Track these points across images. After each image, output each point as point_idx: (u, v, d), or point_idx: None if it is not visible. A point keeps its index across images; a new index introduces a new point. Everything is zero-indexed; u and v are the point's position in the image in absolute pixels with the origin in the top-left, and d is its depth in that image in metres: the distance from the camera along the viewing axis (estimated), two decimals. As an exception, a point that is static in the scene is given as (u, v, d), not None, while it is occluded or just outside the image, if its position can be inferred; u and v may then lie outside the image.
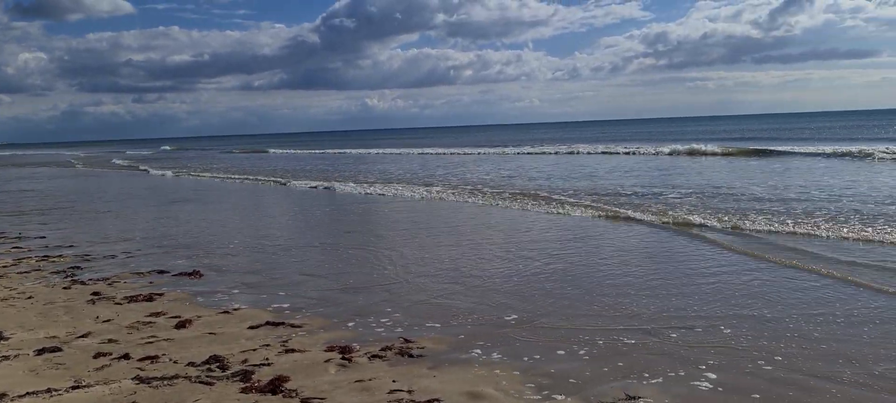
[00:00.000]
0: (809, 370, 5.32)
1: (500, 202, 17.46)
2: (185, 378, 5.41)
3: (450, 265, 9.80)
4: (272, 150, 72.57)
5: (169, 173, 37.80)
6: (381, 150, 59.63)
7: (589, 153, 41.08)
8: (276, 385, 5.19)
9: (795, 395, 4.85)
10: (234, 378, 5.39)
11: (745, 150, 33.35)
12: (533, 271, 9.20)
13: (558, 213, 14.80)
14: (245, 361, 5.81)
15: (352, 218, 15.77)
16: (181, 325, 6.99)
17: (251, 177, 31.03)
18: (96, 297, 8.31)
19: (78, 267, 10.29)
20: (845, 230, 11.12)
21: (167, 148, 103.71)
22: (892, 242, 10.04)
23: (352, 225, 14.63)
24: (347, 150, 63.96)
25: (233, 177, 32.11)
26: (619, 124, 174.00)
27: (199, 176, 34.46)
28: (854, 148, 30.59)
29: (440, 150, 54.12)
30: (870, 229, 11.10)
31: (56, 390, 5.17)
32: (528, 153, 45.02)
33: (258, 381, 5.30)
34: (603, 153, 40.27)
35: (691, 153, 34.52)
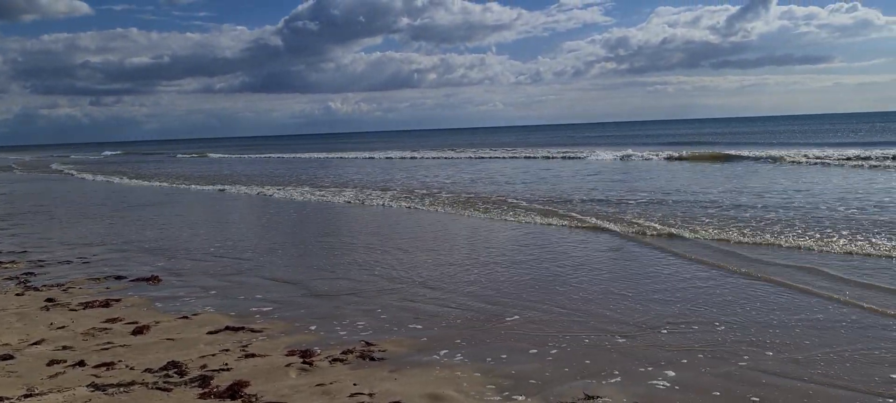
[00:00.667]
0: (768, 368, 5.44)
1: (461, 210, 17.51)
2: (141, 384, 5.33)
3: (412, 269, 9.80)
4: (212, 154, 71.80)
5: (100, 177, 37.06)
6: (343, 154, 59.24)
7: (548, 157, 41.23)
8: (235, 391, 5.13)
9: (754, 392, 4.96)
10: (193, 384, 5.32)
11: (705, 155, 33.87)
12: (494, 275, 9.25)
13: (518, 221, 14.88)
14: (204, 366, 5.74)
15: (309, 224, 15.66)
16: (138, 331, 6.88)
17: (185, 183, 30.39)
18: (50, 303, 8.13)
19: (31, 274, 10.05)
20: (796, 237, 11.37)
21: (108, 153, 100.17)
22: (849, 251, 10.30)
23: (308, 228, 14.54)
24: (310, 155, 63.28)
25: (174, 183, 31.14)
26: (581, 128, 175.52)
27: (135, 182, 33.59)
28: (812, 152, 31.49)
29: (405, 154, 54.16)
30: (816, 233, 11.40)
31: (8, 398, 5.04)
32: (491, 157, 45.18)
33: (217, 387, 5.24)
34: (564, 157, 40.51)
35: (647, 158, 34.99)
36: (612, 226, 12.86)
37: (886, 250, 9.63)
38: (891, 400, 4.77)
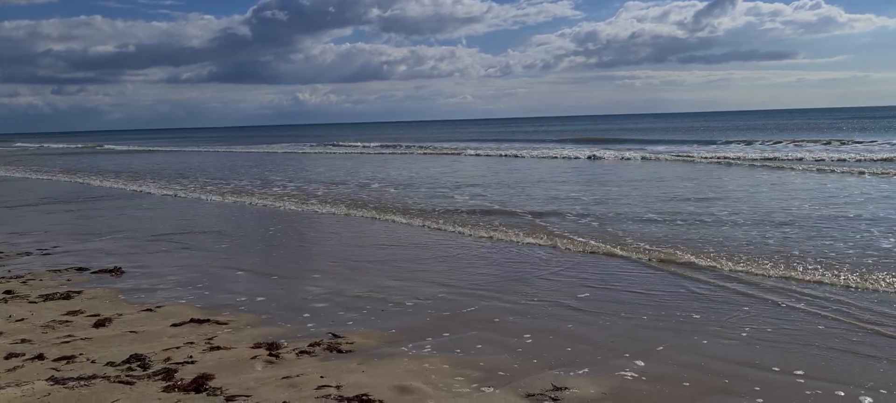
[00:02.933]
0: (737, 359, 5.51)
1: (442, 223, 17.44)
2: (103, 377, 5.21)
3: (381, 262, 9.76)
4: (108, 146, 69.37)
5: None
6: (307, 149, 58.59)
7: (517, 156, 39.75)
8: (199, 384, 5.05)
9: (725, 384, 5.02)
10: (156, 377, 5.22)
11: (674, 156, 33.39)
12: (462, 268, 9.25)
13: (486, 237, 14.88)
14: (168, 359, 5.64)
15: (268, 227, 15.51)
16: (100, 324, 6.73)
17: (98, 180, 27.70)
18: (9, 296, 7.92)
19: (-11, 265, 9.79)
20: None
21: (21, 144, 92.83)
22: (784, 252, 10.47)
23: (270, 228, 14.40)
24: (272, 148, 62.19)
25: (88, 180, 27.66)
26: (549, 121, 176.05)
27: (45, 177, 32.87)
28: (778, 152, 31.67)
29: (372, 146, 53.67)
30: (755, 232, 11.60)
31: (-38, 393, 4.90)
32: (464, 153, 45.01)
33: (181, 380, 5.15)
34: (534, 157, 38.78)
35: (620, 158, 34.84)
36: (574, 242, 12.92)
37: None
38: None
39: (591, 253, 9.87)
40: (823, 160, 25.53)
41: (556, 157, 33.73)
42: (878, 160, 24.31)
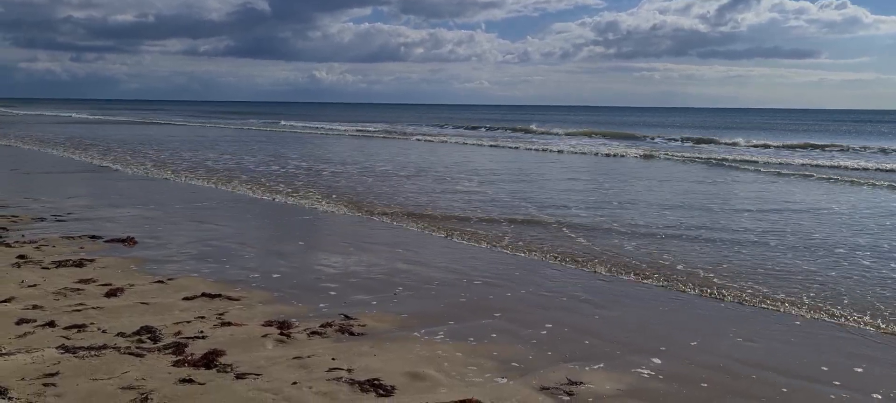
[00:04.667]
0: (758, 362, 5.39)
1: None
2: (113, 348, 5.17)
3: (393, 245, 9.69)
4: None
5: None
6: (321, 125, 57.87)
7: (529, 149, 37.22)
8: (210, 359, 5.00)
9: (744, 387, 4.92)
10: (166, 351, 5.17)
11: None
12: (475, 256, 9.16)
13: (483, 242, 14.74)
14: (178, 333, 5.59)
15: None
16: (112, 294, 6.70)
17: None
18: (22, 260, 7.91)
19: (4, 229, 9.79)
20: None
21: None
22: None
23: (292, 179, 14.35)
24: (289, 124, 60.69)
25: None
26: (566, 111, 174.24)
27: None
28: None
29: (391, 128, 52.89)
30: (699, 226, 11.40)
31: (-28, 357, 4.87)
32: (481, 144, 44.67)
33: (191, 354, 5.10)
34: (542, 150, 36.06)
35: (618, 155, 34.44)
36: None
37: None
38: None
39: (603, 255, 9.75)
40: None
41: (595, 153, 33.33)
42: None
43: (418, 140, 38.35)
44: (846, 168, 22.95)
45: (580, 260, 8.78)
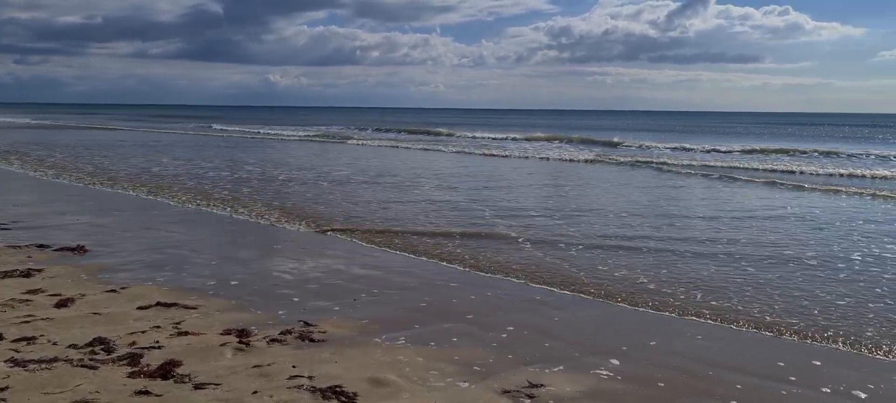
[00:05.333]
0: (714, 361, 5.51)
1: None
2: (65, 360, 5.02)
3: (352, 251, 9.64)
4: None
5: None
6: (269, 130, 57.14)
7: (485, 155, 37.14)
8: (167, 370, 4.89)
9: (701, 386, 5.02)
10: (121, 362, 5.05)
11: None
12: (436, 260, 9.17)
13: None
14: (133, 344, 5.46)
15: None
16: (62, 304, 6.51)
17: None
18: (-35, 272, 7.63)
19: (-55, 239, 9.44)
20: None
21: None
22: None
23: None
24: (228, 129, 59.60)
25: None
26: (520, 114, 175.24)
27: None
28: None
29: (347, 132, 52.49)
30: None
31: (-85, 373, 4.68)
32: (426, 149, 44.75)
33: (147, 365, 4.99)
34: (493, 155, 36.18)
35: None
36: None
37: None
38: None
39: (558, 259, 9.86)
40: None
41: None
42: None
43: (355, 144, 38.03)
44: (793, 172, 23.19)
45: (530, 273, 8.85)
